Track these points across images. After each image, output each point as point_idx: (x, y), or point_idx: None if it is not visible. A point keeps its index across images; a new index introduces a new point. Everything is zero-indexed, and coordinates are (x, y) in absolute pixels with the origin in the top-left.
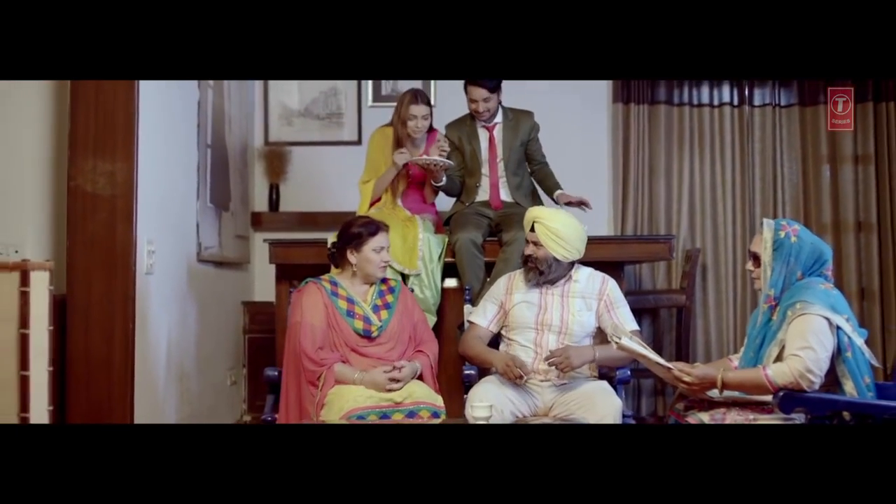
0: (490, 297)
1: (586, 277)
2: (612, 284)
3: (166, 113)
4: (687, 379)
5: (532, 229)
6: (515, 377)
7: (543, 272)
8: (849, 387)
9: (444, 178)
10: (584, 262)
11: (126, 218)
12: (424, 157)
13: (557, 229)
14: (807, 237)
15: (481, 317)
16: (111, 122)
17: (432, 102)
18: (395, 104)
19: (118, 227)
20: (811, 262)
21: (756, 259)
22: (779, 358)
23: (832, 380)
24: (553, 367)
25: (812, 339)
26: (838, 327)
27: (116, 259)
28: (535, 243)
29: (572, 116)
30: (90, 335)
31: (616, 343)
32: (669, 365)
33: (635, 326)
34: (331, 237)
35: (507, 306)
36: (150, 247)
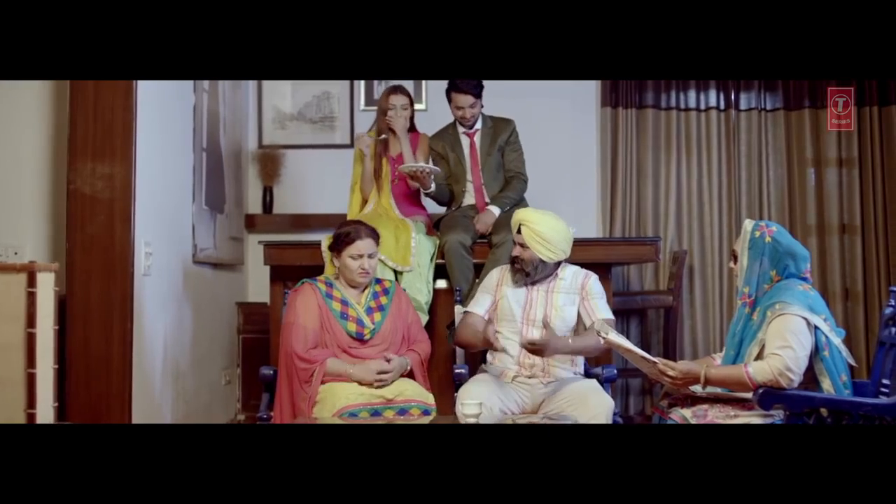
0: (483, 288)
1: (571, 274)
2: (592, 279)
3: (163, 117)
4: (671, 373)
5: (518, 231)
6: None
7: (529, 273)
8: (826, 384)
9: (433, 185)
10: (572, 264)
11: (124, 220)
12: (410, 164)
13: (543, 232)
14: (782, 239)
15: (477, 306)
16: (109, 126)
17: (424, 105)
18: None
19: (116, 229)
20: (784, 263)
21: (736, 258)
22: (759, 356)
23: (810, 378)
24: (534, 357)
25: (791, 339)
26: (816, 327)
27: (115, 260)
28: (522, 245)
29: (561, 120)
30: (89, 335)
31: (603, 338)
32: (655, 359)
33: (609, 315)
34: (325, 239)
35: (497, 296)
36: (147, 248)
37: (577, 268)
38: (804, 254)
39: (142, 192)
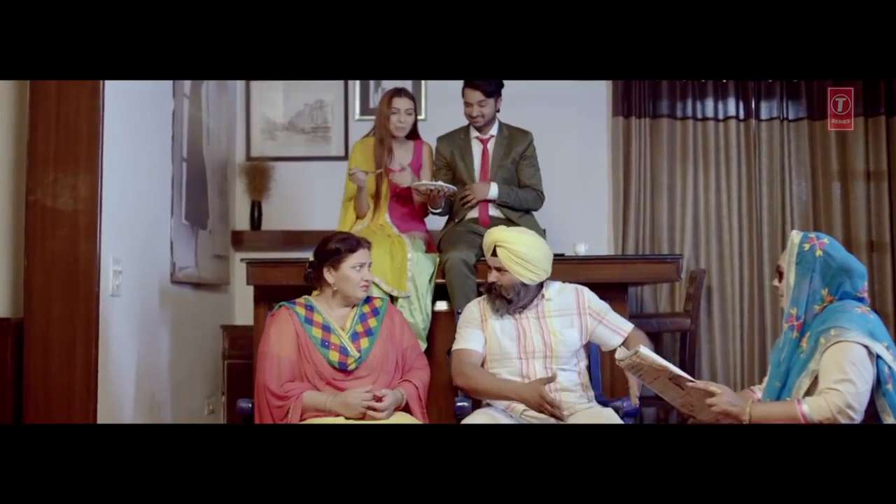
0: (468, 322)
1: (557, 293)
2: (587, 294)
3: (136, 123)
4: (714, 388)
5: (494, 254)
6: (553, 416)
7: (511, 300)
8: (890, 423)
9: (443, 203)
10: (586, 284)
11: (89, 235)
12: (424, 182)
13: (522, 252)
14: (836, 253)
15: (470, 342)
16: (73, 130)
17: (423, 115)
18: None
19: (80, 244)
20: (838, 280)
21: (781, 275)
22: (810, 391)
23: (870, 415)
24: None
25: (851, 371)
26: (878, 356)
27: (78, 279)
28: (499, 269)
29: (570, 130)
30: (49, 361)
31: (632, 356)
32: (693, 380)
33: (630, 326)
34: (312, 257)
35: (486, 333)
36: (116, 266)
37: (559, 283)
38: (861, 270)
39: (110, 204)
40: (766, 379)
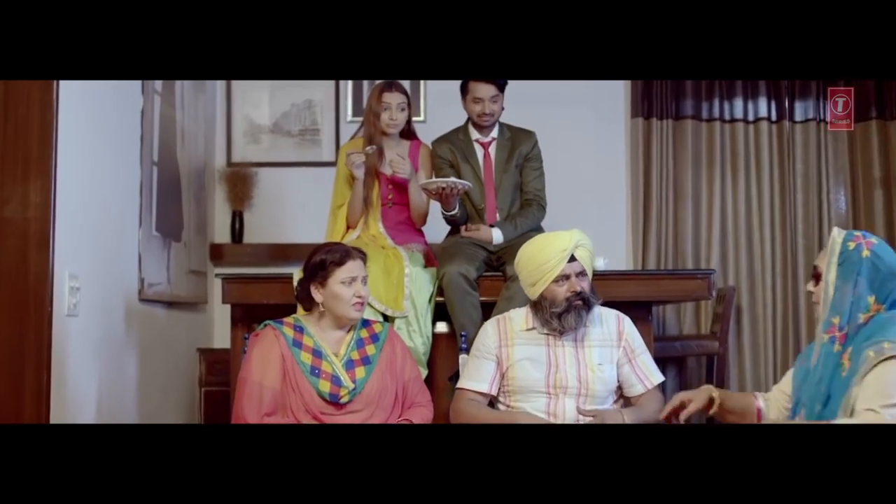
0: (479, 351)
1: (599, 318)
2: (629, 324)
3: (98, 121)
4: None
5: (572, 259)
6: None
7: (592, 305)
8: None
9: (457, 206)
10: (605, 303)
11: (41, 247)
12: (435, 179)
13: (591, 246)
14: (885, 254)
15: (477, 380)
16: (23, 128)
17: (422, 116)
18: None
19: (31, 257)
20: (889, 286)
21: (818, 277)
22: None
23: None
24: None
25: None
26: None
27: (28, 296)
28: (580, 274)
29: (585, 133)
30: None
31: None
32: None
33: (660, 377)
34: (297, 272)
35: (506, 363)
36: (73, 283)
37: (599, 307)
38: None
39: (65, 212)
40: (773, 387)
